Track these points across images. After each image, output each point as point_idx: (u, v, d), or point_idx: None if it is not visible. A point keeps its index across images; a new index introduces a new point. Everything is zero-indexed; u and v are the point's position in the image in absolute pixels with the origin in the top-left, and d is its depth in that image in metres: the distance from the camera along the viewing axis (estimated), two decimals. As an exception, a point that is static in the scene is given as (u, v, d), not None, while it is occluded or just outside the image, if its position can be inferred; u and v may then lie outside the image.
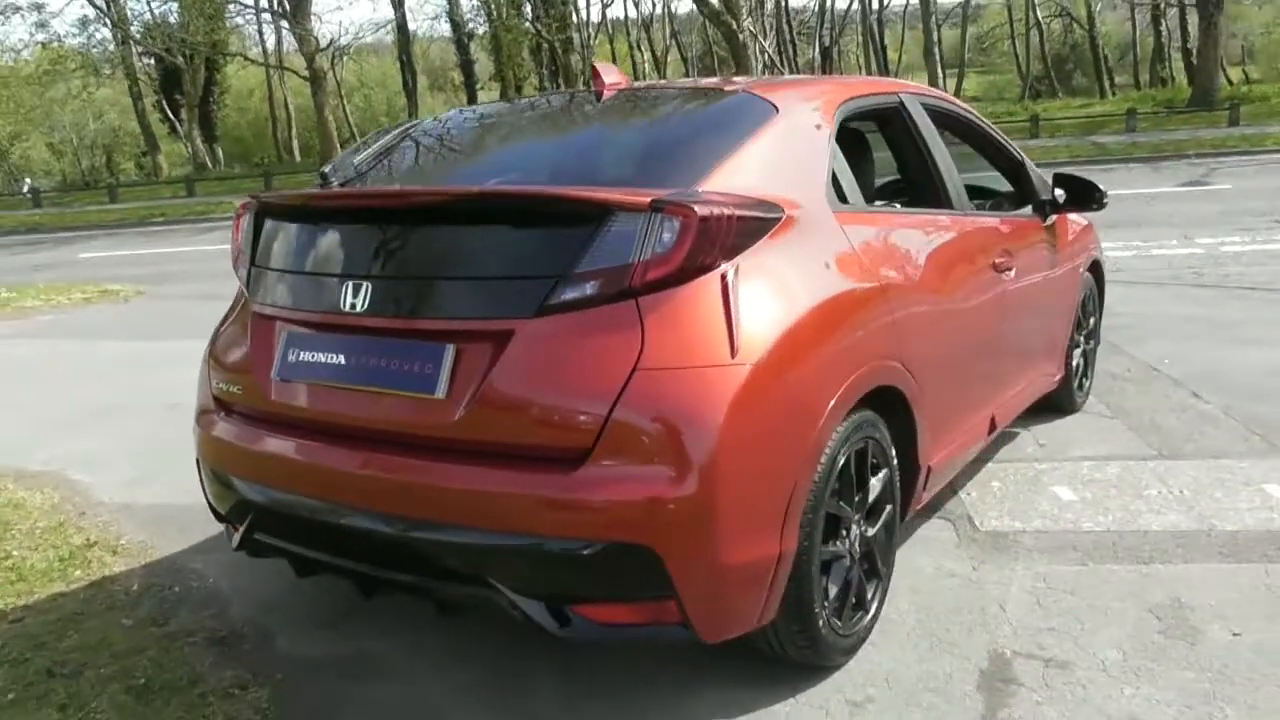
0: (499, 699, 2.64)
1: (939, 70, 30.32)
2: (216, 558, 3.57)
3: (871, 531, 2.78)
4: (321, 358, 2.52)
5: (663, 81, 3.46)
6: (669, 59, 42.82)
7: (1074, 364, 4.63)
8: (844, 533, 2.65)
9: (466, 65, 38.97)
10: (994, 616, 2.93)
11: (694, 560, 2.20)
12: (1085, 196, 4.22)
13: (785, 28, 40.55)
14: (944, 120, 3.95)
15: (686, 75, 42.68)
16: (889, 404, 2.80)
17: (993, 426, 3.58)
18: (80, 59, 33.43)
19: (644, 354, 2.20)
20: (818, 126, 2.80)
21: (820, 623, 2.52)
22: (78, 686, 2.73)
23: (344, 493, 2.46)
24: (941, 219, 3.30)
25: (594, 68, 3.08)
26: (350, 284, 2.44)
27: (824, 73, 41.57)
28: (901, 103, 3.36)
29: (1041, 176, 4.27)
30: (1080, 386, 4.80)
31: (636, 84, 3.16)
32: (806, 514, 2.41)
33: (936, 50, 30.21)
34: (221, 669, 2.83)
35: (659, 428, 2.18)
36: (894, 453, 2.86)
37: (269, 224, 2.74)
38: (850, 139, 3.55)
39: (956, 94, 32.37)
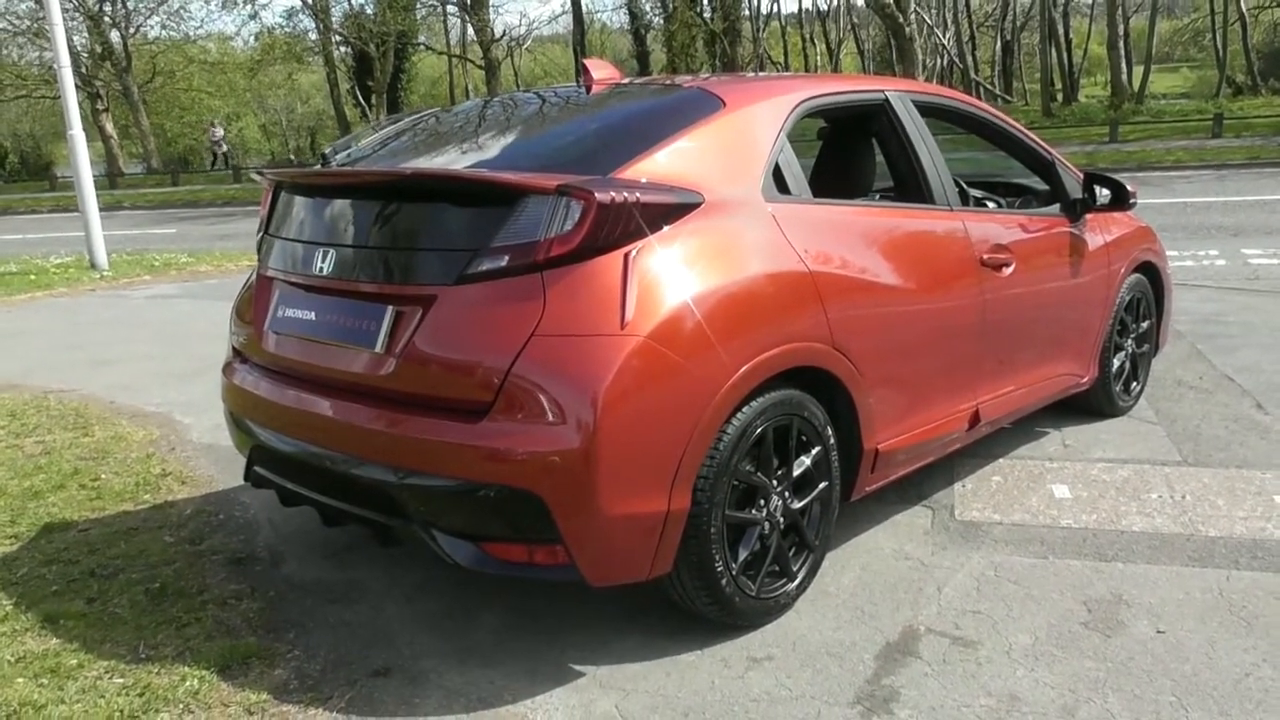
0: (446, 626, 2.95)
1: (1123, 65, 28.64)
2: (264, 493, 4.04)
3: (799, 504, 2.94)
4: (299, 314, 2.90)
5: (647, 79, 3.67)
6: (843, 51, 42.22)
7: (1113, 368, 4.56)
8: (761, 502, 2.82)
9: (642, 57, 39.60)
10: (927, 597, 3.03)
11: (577, 509, 2.45)
12: (1115, 196, 4.18)
13: (965, 22, 39.33)
14: (960, 120, 4.01)
15: (863, 69, 41.96)
16: (825, 386, 2.95)
17: (975, 420, 3.63)
18: (286, 47, 36.04)
19: (542, 322, 2.46)
20: (765, 121, 2.96)
21: (724, 582, 2.71)
22: (108, 586, 3.23)
23: (310, 431, 2.83)
24: (905, 213, 3.39)
25: (584, 64, 3.34)
26: (320, 250, 2.81)
27: (1003, 67, 40.05)
28: (887, 100, 3.46)
29: (1074, 175, 4.24)
30: (1127, 390, 4.71)
31: (621, 80, 3.39)
32: (704, 478, 2.61)
33: (1122, 44, 28.56)
34: (229, 583, 3.26)
35: (548, 388, 2.43)
36: (831, 433, 3.00)
37: (280, 197, 3.14)
38: (844, 136, 3.69)
39: (1142, 89, 30.55)
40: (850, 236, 3.06)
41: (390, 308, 2.65)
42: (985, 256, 3.56)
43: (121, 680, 2.67)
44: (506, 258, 2.50)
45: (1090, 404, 4.60)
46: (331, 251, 2.78)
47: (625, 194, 2.51)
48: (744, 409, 2.70)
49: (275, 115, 49.21)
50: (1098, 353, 4.42)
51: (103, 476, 4.26)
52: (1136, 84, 30.81)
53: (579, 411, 2.42)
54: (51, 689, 2.64)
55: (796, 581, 2.95)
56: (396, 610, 3.06)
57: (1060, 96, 34.22)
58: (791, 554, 2.96)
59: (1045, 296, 3.95)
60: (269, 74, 39.68)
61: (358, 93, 37.54)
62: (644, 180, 2.63)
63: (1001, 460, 4.16)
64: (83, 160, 11.11)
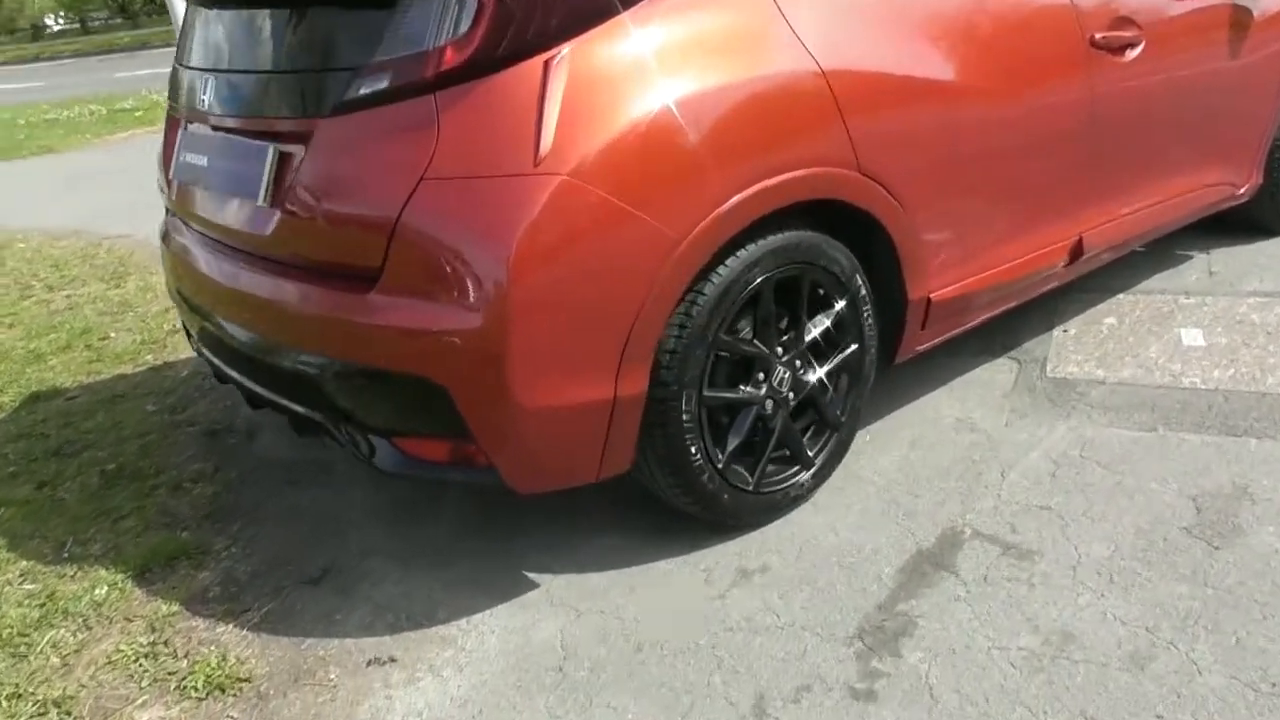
0: (403, 520, 2.55)
1: None
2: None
3: (816, 375, 2.33)
4: (194, 158, 2.41)
5: None
6: None
7: (1284, 172, 3.60)
8: (760, 376, 2.23)
9: None
10: (986, 485, 2.41)
11: (488, 401, 1.92)
12: None
13: None
14: None
15: None
16: (854, 222, 2.28)
17: (1078, 252, 2.86)
18: None
19: (435, 160, 1.87)
20: None
21: (705, 477, 2.17)
22: (66, 466, 2.95)
23: (215, 300, 2.39)
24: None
25: None
26: (204, 79, 2.29)
27: None
28: None
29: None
30: (1302, 201, 3.75)
31: None
32: (671, 353, 2.04)
33: None
34: (193, 461, 2.94)
35: (443, 248, 1.88)
36: (862, 283, 2.34)
37: (187, 15, 2.60)
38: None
39: None
40: (882, 20, 2.28)
41: (271, 147, 2.11)
42: (1099, 36, 2.70)
43: (30, 587, 2.39)
44: (389, 77, 1.91)
45: (1251, 219, 3.69)
46: (212, 79, 2.26)
47: None
48: (727, 262, 2.08)
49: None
50: (1262, 155, 3.49)
51: (112, 335, 4.01)
52: None
53: (481, 278, 1.86)
54: (-43, 596, 2.39)
55: (813, 470, 2.38)
56: (359, 498, 2.67)
57: None
58: (809, 435, 2.38)
59: (1188, 85, 3.04)
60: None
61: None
62: None
63: (1121, 296, 3.37)
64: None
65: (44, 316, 4.30)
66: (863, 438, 2.66)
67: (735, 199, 2.01)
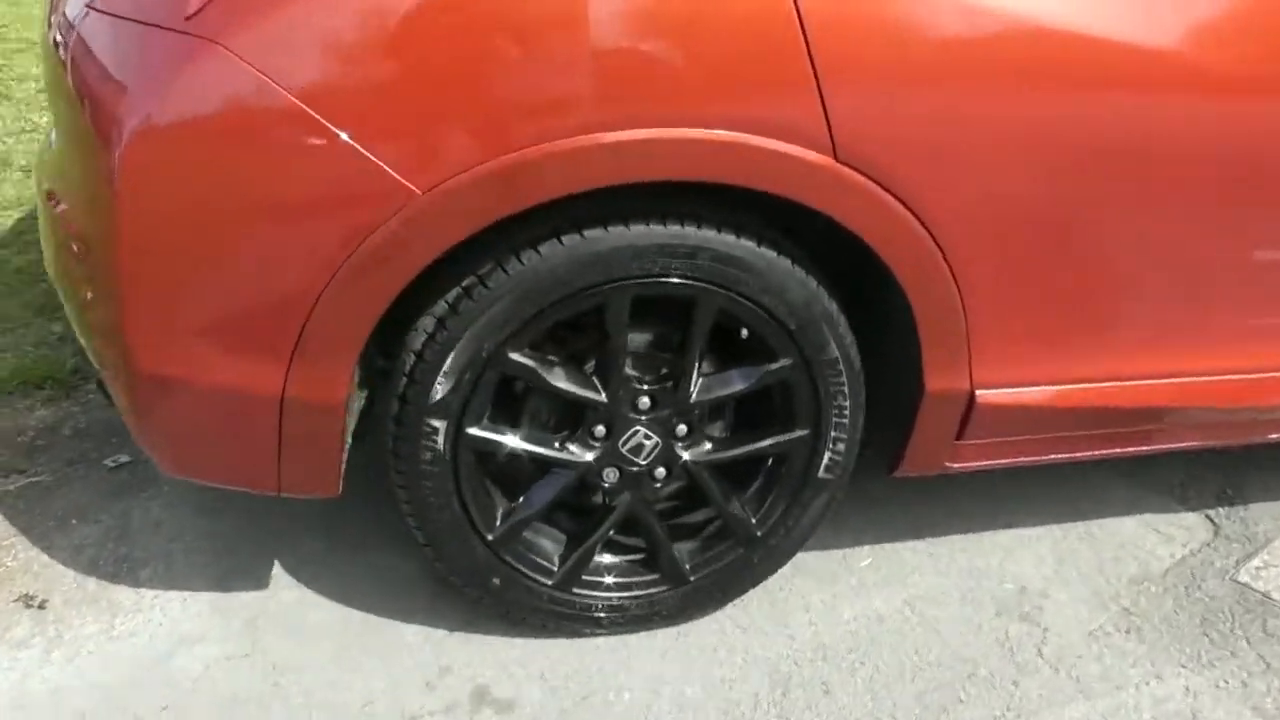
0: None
1: None
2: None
3: (709, 455, 1.47)
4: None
5: None
6: None
7: None
8: (599, 430, 1.42)
9: None
10: (944, 726, 1.43)
11: (106, 336, 1.35)
12: None
13: None
14: None
15: None
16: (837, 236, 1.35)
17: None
18: None
19: (105, -20, 1.27)
20: None
21: (456, 544, 1.44)
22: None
23: None
24: None
25: None
26: None
27: None
28: None
29: None
30: None
31: None
32: (415, 357, 1.31)
33: None
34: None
35: (81, 112, 1.31)
36: (832, 335, 1.40)
37: None
38: None
39: None
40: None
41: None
42: None
43: None
44: None
45: None
46: None
47: None
48: (541, 248, 1.28)
49: None
50: None
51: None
52: None
53: (97, 165, 1.25)
54: None
55: (684, 588, 1.54)
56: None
57: None
58: (702, 537, 1.54)
59: None
60: None
61: None
62: None
63: None
64: None
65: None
66: (861, 558, 1.74)
67: (545, 147, 1.18)
